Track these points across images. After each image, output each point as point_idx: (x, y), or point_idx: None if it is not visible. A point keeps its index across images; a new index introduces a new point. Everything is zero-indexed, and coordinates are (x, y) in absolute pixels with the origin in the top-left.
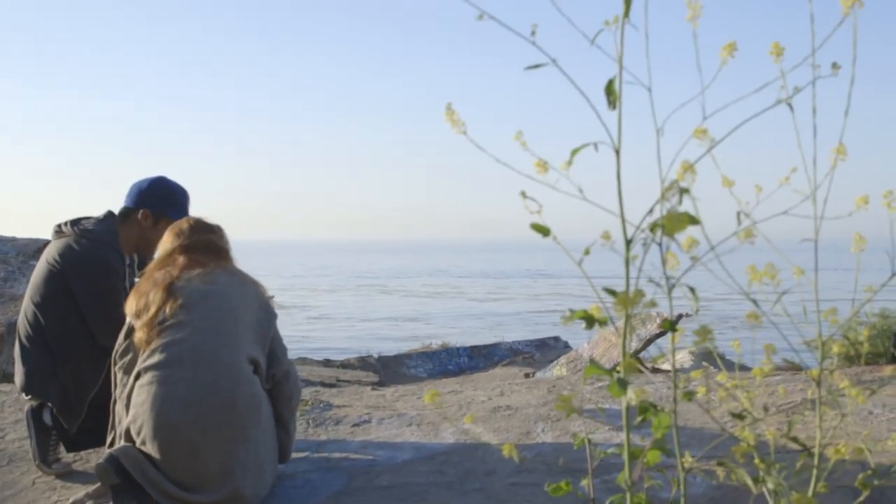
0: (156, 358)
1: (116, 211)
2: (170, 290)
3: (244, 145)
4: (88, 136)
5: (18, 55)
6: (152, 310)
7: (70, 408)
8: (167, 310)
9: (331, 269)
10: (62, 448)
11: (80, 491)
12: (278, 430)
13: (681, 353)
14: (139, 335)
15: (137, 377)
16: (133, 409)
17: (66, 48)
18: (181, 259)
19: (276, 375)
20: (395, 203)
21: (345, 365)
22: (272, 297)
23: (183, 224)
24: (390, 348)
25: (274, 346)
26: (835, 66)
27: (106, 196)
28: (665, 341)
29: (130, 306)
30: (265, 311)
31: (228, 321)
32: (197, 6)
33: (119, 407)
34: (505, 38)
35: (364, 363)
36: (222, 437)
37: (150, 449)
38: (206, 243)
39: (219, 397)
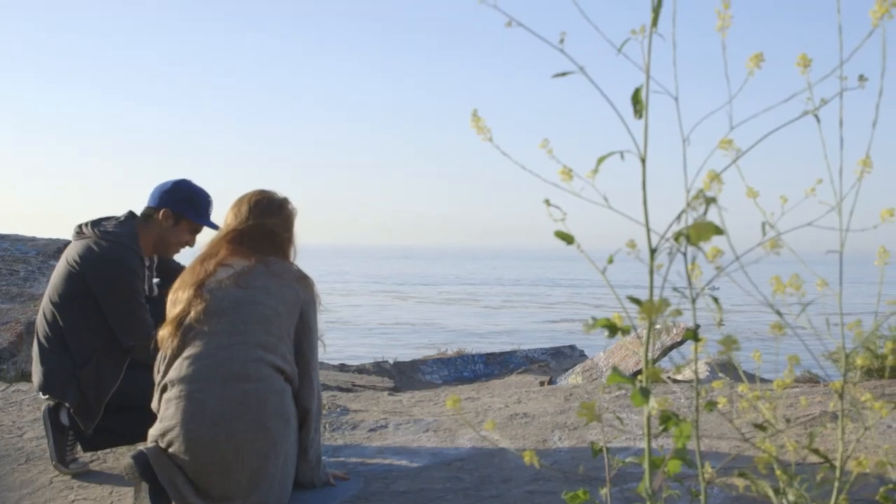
0: (183, 371)
1: (138, 212)
2: (198, 291)
3: (267, 150)
4: (112, 139)
5: (42, 56)
6: (178, 308)
7: (87, 408)
8: (192, 313)
9: (348, 274)
10: (79, 448)
11: (97, 490)
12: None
13: (697, 364)
14: (163, 332)
15: (164, 389)
16: (162, 423)
17: (92, 48)
18: (223, 251)
19: (303, 394)
20: (414, 210)
21: (360, 370)
22: (318, 297)
23: (244, 202)
24: (406, 354)
25: (307, 361)
26: (862, 78)
27: (128, 199)
28: (680, 352)
29: (170, 295)
30: (303, 320)
31: (258, 333)
32: (223, 6)
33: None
34: (526, 48)
35: (380, 368)
36: (254, 454)
37: (181, 463)
38: (261, 230)
39: (249, 416)
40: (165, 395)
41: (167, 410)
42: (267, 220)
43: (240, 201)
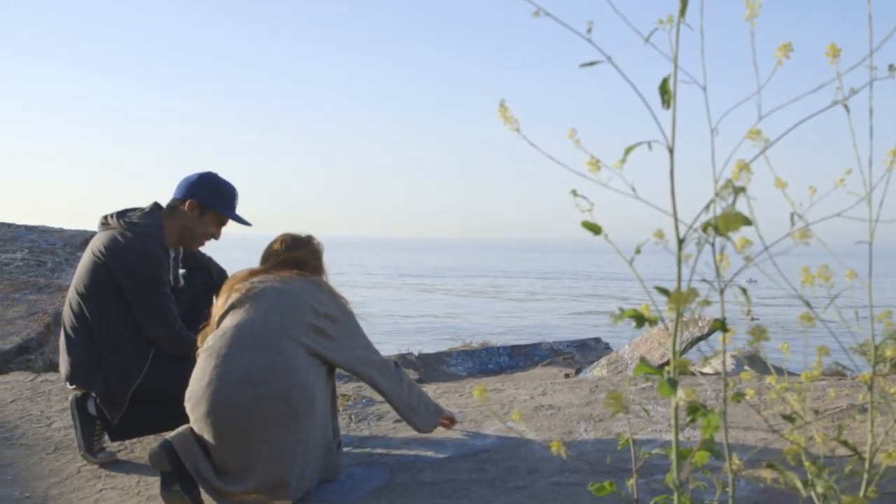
0: (216, 339)
1: (163, 203)
2: (236, 287)
3: (293, 141)
4: (140, 130)
5: (71, 45)
6: (220, 300)
7: (113, 398)
8: (232, 297)
9: (373, 266)
10: (107, 437)
11: (125, 480)
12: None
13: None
14: (204, 332)
15: (198, 357)
16: (190, 385)
17: (121, 36)
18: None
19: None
20: (438, 202)
21: None
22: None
23: (275, 243)
24: (430, 346)
25: (358, 354)
26: (892, 67)
27: (155, 191)
28: (708, 342)
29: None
30: (340, 325)
31: (294, 312)
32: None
33: None
34: (552, 38)
35: (404, 360)
36: (276, 425)
37: (203, 428)
38: (294, 261)
39: (274, 383)
40: (199, 360)
41: (197, 372)
42: (297, 252)
43: (270, 244)
